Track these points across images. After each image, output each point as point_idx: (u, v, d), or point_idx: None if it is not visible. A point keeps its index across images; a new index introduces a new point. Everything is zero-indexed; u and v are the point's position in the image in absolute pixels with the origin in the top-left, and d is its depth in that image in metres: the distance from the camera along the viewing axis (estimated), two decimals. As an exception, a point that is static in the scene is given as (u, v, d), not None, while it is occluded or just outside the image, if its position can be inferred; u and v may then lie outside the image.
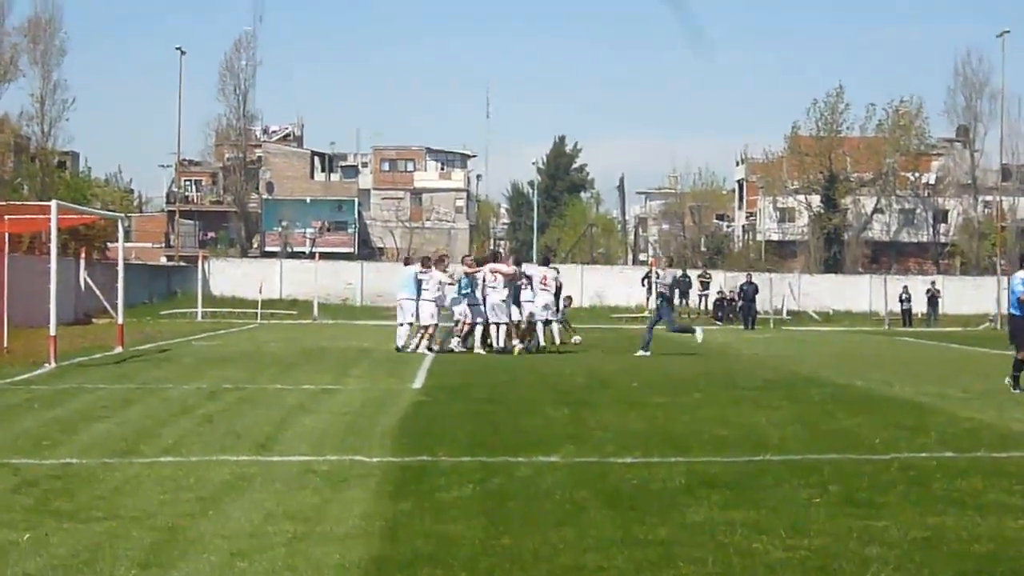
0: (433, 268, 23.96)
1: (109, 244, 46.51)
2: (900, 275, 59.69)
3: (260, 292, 44.44)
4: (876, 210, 74.77)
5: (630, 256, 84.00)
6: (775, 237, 78.47)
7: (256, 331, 33.92)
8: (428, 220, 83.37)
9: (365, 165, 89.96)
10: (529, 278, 24.20)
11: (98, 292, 30.15)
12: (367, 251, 78.50)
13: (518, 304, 23.93)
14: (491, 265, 23.80)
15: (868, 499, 8.16)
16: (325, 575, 6.19)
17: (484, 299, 23.26)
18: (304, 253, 69.81)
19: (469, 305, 23.48)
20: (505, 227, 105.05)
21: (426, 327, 23.62)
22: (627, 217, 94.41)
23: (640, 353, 23.46)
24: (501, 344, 23.41)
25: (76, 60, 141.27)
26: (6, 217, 23.02)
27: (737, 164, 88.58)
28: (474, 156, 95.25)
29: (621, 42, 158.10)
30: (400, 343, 23.65)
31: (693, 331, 25.10)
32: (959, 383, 17.70)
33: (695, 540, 6.89)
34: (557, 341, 24.20)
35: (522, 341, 23.69)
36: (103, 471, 9.07)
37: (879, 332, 42.55)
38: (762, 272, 54.04)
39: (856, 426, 12.17)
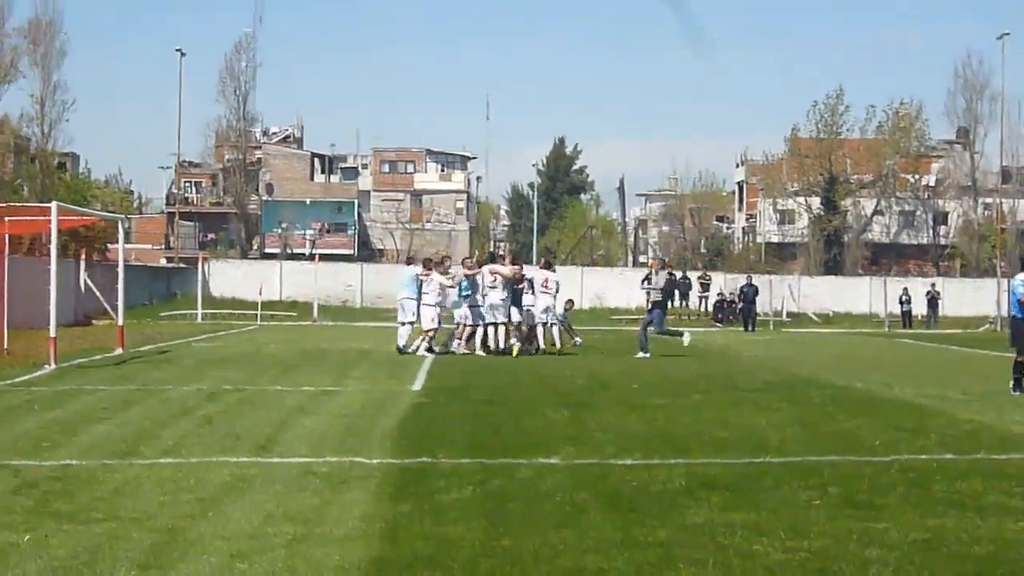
0: (433, 271, 23.96)
1: (109, 245, 46.54)
2: (900, 277, 59.68)
3: (260, 294, 44.44)
4: (876, 212, 74.77)
5: (630, 258, 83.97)
6: (775, 239, 78.46)
7: (256, 333, 33.92)
8: (428, 222, 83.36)
9: (365, 167, 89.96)
10: (530, 281, 24.20)
11: (98, 293, 30.14)
12: (367, 253, 78.47)
13: (519, 306, 23.93)
14: (490, 266, 23.82)
15: (868, 501, 8.16)
16: (325, 577, 6.19)
17: (484, 300, 23.28)
18: (304, 255, 69.80)
19: (470, 307, 23.49)
20: (505, 229, 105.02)
21: (427, 331, 23.62)
22: (627, 219, 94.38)
23: (640, 355, 23.47)
24: (501, 345, 23.44)
25: (76, 62, 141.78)
26: (6, 218, 23.02)
27: (737, 166, 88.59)
28: (474, 158, 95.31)
29: (621, 44, 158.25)
30: (401, 343, 23.65)
31: (681, 334, 24.95)
32: (959, 385, 17.70)
33: (695, 542, 6.89)
34: (558, 345, 24.16)
35: (523, 343, 23.71)
36: (103, 472, 9.08)
37: (879, 334, 42.54)
38: (762, 274, 54.05)
39: (856, 428, 12.17)
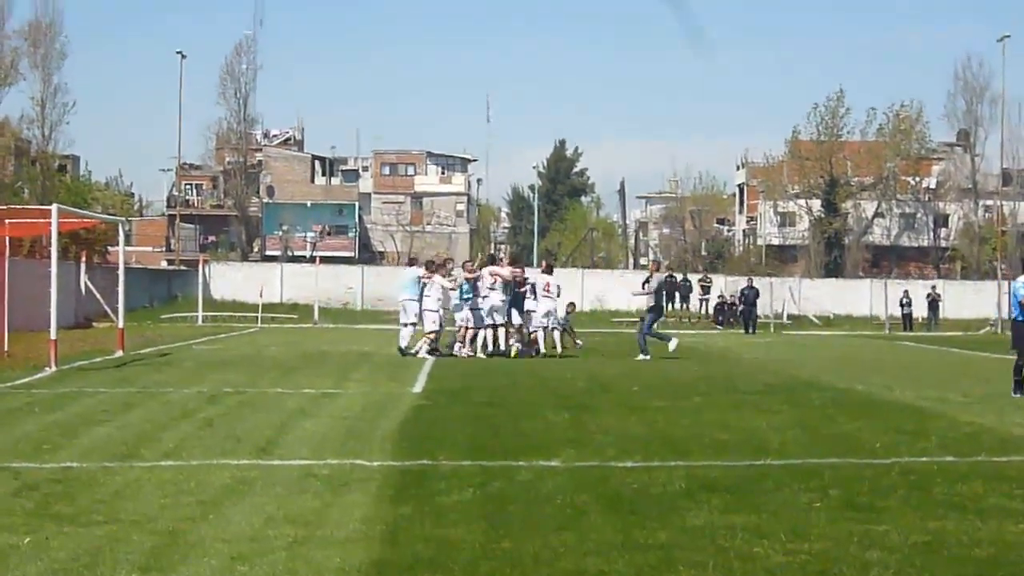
0: (435, 273, 23.98)
1: (110, 248, 46.53)
2: (901, 279, 59.63)
3: (261, 296, 44.42)
4: (877, 214, 74.76)
5: (631, 260, 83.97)
6: (776, 241, 78.47)
7: (257, 335, 33.92)
8: (429, 224, 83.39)
9: (366, 169, 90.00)
10: (532, 285, 24.20)
11: (98, 296, 30.17)
12: (367, 255, 78.47)
13: (520, 310, 23.93)
14: (490, 268, 23.83)
15: (869, 503, 8.16)
16: (325, 579, 6.19)
17: (484, 302, 23.29)
18: (305, 257, 69.80)
19: (471, 310, 23.49)
20: (506, 231, 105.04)
21: (428, 333, 23.62)
22: (628, 221, 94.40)
23: (640, 357, 23.47)
24: (501, 347, 23.46)
25: (77, 64, 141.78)
26: (7, 221, 23.02)
27: (738, 168, 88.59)
28: (475, 160, 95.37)
29: (621, 46, 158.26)
30: (403, 344, 23.65)
31: (668, 339, 24.75)
32: (959, 387, 17.69)
33: (695, 544, 6.89)
34: (559, 350, 24.10)
35: (524, 346, 23.72)
36: (103, 475, 9.08)
37: (880, 336, 42.55)
38: (763, 276, 54.05)
39: (857, 430, 12.16)
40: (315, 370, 19.80)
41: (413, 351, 23.35)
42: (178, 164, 72.87)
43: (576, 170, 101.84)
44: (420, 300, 23.61)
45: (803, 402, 15.04)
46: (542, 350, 23.99)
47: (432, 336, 23.62)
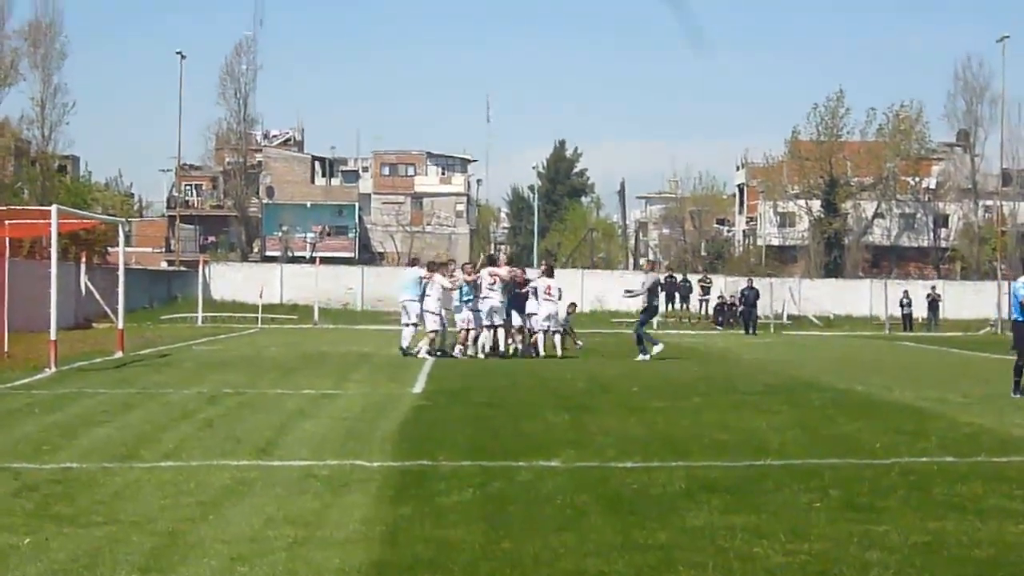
0: (435, 272, 23.98)
1: (109, 249, 46.53)
2: (900, 280, 59.63)
3: (260, 297, 44.41)
4: (876, 215, 74.77)
5: (630, 261, 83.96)
6: (775, 242, 78.46)
7: (256, 336, 33.92)
8: (429, 224, 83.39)
9: (366, 170, 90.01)
10: (534, 288, 24.17)
11: (98, 297, 30.18)
12: (367, 255, 78.47)
13: (521, 311, 23.93)
14: (488, 269, 23.82)
15: (869, 504, 8.16)
16: (325, 580, 6.19)
17: (483, 303, 23.28)
18: (304, 258, 69.83)
19: (471, 311, 23.47)
20: (506, 231, 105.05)
21: (429, 332, 23.62)
22: (627, 222, 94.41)
23: (639, 357, 23.47)
24: (501, 348, 23.46)
25: (76, 64, 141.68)
26: (7, 222, 23.01)
27: (737, 169, 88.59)
28: (475, 160, 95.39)
29: (621, 46, 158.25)
30: (405, 344, 23.64)
31: (655, 343, 24.45)
32: (959, 388, 17.70)
33: (695, 545, 6.89)
34: (558, 352, 24.04)
35: (524, 348, 23.72)
36: (103, 476, 9.08)
37: (879, 337, 42.55)
38: (762, 277, 54.04)
39: (856, 431, 12.16)
40: (315, 371, 19.80)
41: (415, 351, 23.34)
42: (178, 165, 72.87)
43: (576, 170, 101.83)
44: (421, 300, 23.61)
45: (803, 402, 15.04)
46: (542, 352, 23.96)
47: (432, 336, 23.62)
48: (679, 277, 54.14)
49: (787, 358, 26.48)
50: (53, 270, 19.73)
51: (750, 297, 43.11)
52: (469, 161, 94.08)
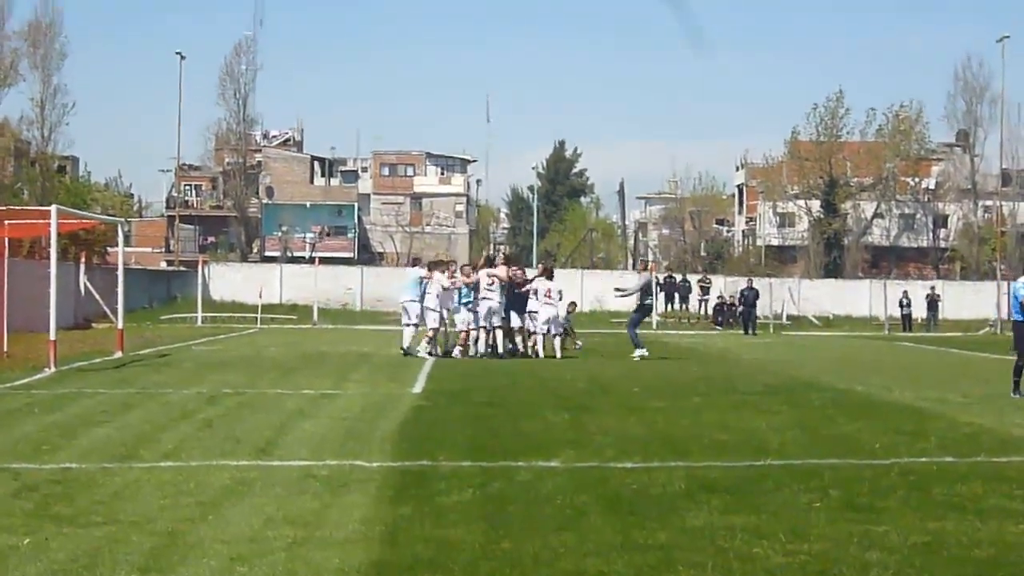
0: (435, 271, 23.99)
1: (109, 249, 46.53)
2: (900, 280, 59.67)
3: (260, 297, 44.45)
4: (876, 215, 74.78)
5: (630, 261, 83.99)
6: (775, 242, 78.48)
7: (256, 336, 33.92)
8: (428, 225, 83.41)
9: (365, 170, 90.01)
10: (535, 290, 24.14)
11: (98, 297, 30.18)
12: (367, 256, 78.50)
13: (521, 311, 23.91)
14: (487, 270, 23.79)
15: (868, 504, 8.16)
16: (325, 580, 6.19)
17: (482, 304, 23.26)
18: (304, 258, 69.86)
19: (470, 312, 23.45)
20: (505, 232, 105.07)
21: (430, 329, 23.62)
22: (627, 222, 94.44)
23: (637, 353, 23.43)
24: (499, 350, 23.45)
25: (76, 64, 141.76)
26: (6, 222, 23.00)
27: (737, 169, 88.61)
28: (474, 161, 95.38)
29: (621, 46, 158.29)
30: (405, 344, 23.62)
31: (639, 347, 24.24)
32: (959, 388, 17.70)
33: (695, 545, 6.89)
34: (558, 355, 23.98)
35: (523, 348, 23.72)
36: (103, 476, 9.07)
37: (879, 337, 42.55)
38: (762, 277, 54.05)
39: (856, 431, 12.16)
40: (314, 371, 19.79)
41: (415, 351, 23.32)
42: (177, 165, 72.88)
43: (575, 171, 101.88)
44: (421, 301, 23.61)
45: (803, 403, 15.04)
46: (541, 355, 23.94)
47: (431, 333, 23.61)
48: (678, 277, 54.17)
49: (787, 358, 26.48)
50: (52, 270, 19.73)
51: (750, 297, 43.11)
52: (469, 161, 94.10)
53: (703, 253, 78.41)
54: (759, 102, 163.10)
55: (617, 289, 28.87)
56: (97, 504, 7.97)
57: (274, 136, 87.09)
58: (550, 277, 24.88)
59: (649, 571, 6.33)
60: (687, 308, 52.03)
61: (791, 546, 6.86)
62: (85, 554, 6.59)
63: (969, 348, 32.07)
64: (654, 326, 44.53)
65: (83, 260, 37.52)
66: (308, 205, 79.34)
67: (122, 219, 34.01)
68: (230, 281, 52.92)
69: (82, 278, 35.39)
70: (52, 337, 19.03)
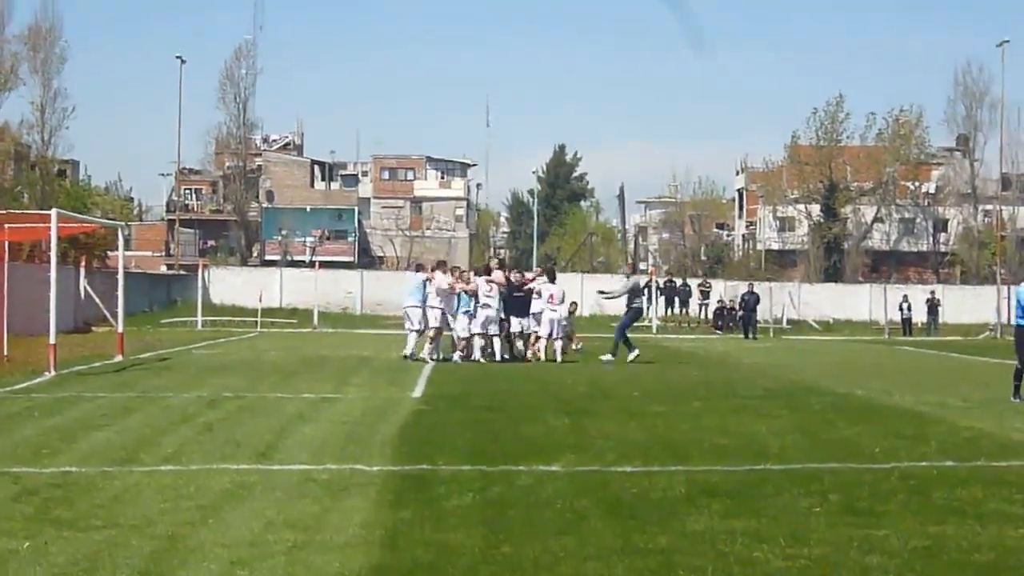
0: (436, 271, 23.99)
1: (109, 253, 46.51)
2: (900, 284, 59.70)
3: (260, 301, 44.45)
4: (876, 219, 74.82)
5: (637, 263, 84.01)
6: (775, 246, 78.52)
7: (256, 340, 33.91)
8: (428, 229, 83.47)
9: (365, 174, 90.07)
10: (539, 292, 24.12)
11: (98, 300, 30.21)
12: (367, 260, 78.55)
13: (522, 314, 23.89)
14: (485, 277, 23.76)
15: (868, 508, 8.16)
16: (325, 584, 6.19)
17: (481, 310, 23.25)
18: (304, 262, 69.86)
19: (469, 317, 23.41)
20: (505, 236, 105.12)
21: (430, 329, 23.61)
22: (627, 226, 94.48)
23: (631, 355, 23.42)
24: (497, 356, 23.43)
25: (76, 68, 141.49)
26: (6, 225, 23.01)
27: (737, 173, 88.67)
28: (474, 165, 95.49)
29: (621, 49, 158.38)
30: (408, 351, 23.56)
31: (614, 353, 23.94)
32: (959, 392, 17.69)
33: (695, 549, 6.89)
34: (558, 359, 23.95)
35: (523, 351, 23.72)
36: (103, 480, 9.07)
37: (879, 341, 42.54)
38: (762, 281, 54.06)
39: (856, 435, 12.16)
40: (314, 375, 19.79)
41: (422, 355, 23.27)
42: (177, 169, 72.88)
43: (575, 175, 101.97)
44: (424, 304, 23.60)
45: (803, 407, 15.03)
46: (542, 358, 23.93)
47: (434, 333, 23.60)
48: (679, 281, 54.18)
49: (787, 362, 26.48)
50: (52, 274, 19.73)
51: (750, 302, 43.11)
52: (469, 165, 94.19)
53: (703, 257, 78.48)
54: (759, 106, 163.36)
55: (600, 291, 29.00)
56: (97, 508, 7.97)
57: (274, 140, 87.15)
58: (552, 279, 24.83)
59: (649, 575, 6.33)
60: (687, 312, 52.04)
61: (791, 550, 6.86)
62: (85, 558, 6.59)
63: (969, 352, 32.06)
64: (654, 330, 44.60)
65: (83, 264, 37.54)
66: (308, 209, 79.38)
67: (122, 223, 34.00)
68: (230, 285, 52.93)
69: (82, 282, 35.42)
70: (52, 341, 19.03)
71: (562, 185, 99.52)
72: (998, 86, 68.41)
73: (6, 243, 23.59)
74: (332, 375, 19.80)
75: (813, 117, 71.55)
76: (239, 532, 7.25)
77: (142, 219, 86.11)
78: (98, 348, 25.18)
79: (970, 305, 53.82)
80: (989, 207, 71.13)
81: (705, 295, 52.03)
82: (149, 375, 19.38)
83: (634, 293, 24.98)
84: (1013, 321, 16.65)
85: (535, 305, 23.99)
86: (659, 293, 50.59)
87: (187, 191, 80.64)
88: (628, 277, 25.61)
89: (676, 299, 52.28)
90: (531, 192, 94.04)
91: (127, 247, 30.00)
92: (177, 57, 62.57)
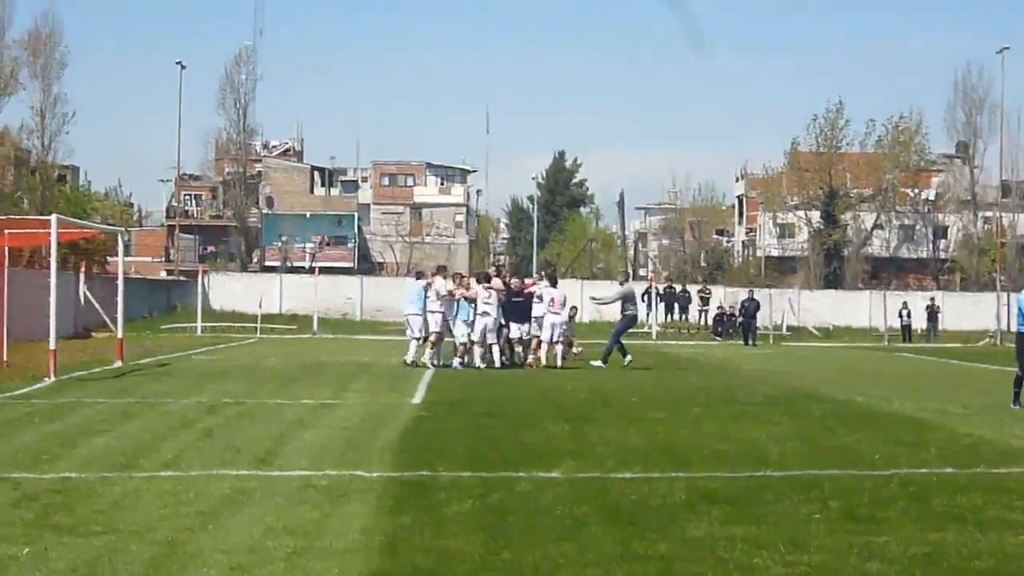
0: (436, 276, 23.99)
1: (109, 258, 46.55)
2: (900, 291, 59.66)
3: (260, 306, 44.44)
4: (876, 226, 74.79)
5: (630, 271, 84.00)
6: (775, 253, 78.48)
7: (256, 345, 33.91)
8: (428, 235, 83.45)
9: (365, 180, 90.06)
10: (540, 296, 24.11)
11: (98, 306, 30.17)
12: (367, 266, 78.49)
13: (523, 320, 23.88)
14: (485, 284, 23.74)
15: (868, 515, 8.16)
16: (325, 590, 6.19)
17: (480, 318, 23.24)
18: (304, 268, 69.81)
19: (468, 324, 23.40)
20: (505, 242, 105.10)
21: (431, 334, 23.60)
22: (627, 232, 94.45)
23: (625, 360, 23.44)
24: (496, 363, 23.42)
25: (76, 73, 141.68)
26: (6, 231, 23.03)
27: (737, 180, 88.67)
28: (474, 171, 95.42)
29: (621, 56, 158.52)
30: (409, 359, 23.53)
31: (605, 360, 24.15)
32: (959, 399, 17.69)
33: (695, 555, 6.89)
34: (559, 363, 23.94)
35: (523, 355, 23.74)
36: (103, 485, 9.07)
37: (879, 348, 42.54)
38: (762, 288, 54.04)
39: (856, 442, 12.16)
40: (314, 381, 19.79)
41: (423, 360, 23.25)
42: (177, 174, 72.86)
43: (575, 181, 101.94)
44: (424, 310, 23.60)
45: (803, 414, 15.04)
46: (543, 362, 23.93)
47: (435, 338, 23.58)
48: (678, 288, 54.16)
49: (787, 369, 26.47)
50: (52, 279, 19.73)
51: (750, 308, 43.09)
52: (468, 172, 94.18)
53: (703, 263, 78.41)
54: (759, 112, 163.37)
55: (593, 297, 29.08)
56: (97, 513, 7.97)
57: (274, 146, 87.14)
58: (554, 284, 24.82)
59: (649, 582, 6.33)
60: (687, 318, 51.99)
61: (791, 557, 6.86)
62: (85, 563, 6.58)
63: (969, 359, 32.05)
64: (654, 336, 44.60)
65: (83, 269, 37.53)
66: (308, 215, 79.36)
67: (122, 228, 34.03)
68: (230, 291, 52.90)
69: (82, 287, 35.38)
70: (52, 346, 19.04)
71: (562, 191, 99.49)
72: (998, 92, 68.33)
73: (6, 248, 23.60)
74: (332, 381, 19.80)
75: (813, 124, 71.55)
76: (239, 538, 7.25)
77: (142, 225, 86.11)
78: (98, 354, 25.17)
79: (970, 312, 53.78)
80: (989, 214, 71.10)
81: (705, 301, 51.99)
82: (149, 381, 19.38)
83: (628, 300, 24.99)
84: (1014, 328, 16.65)
85: (536, 309, 23.98)
86: (659, 299, 50.58)
87: (187, 197, 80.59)
88: (622, 284, 25.61)
89: (676, 305, 52.24)
90: (531, 198, 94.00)
91: (127, 253, 29.99)
92: (177, 63, 62.60)
